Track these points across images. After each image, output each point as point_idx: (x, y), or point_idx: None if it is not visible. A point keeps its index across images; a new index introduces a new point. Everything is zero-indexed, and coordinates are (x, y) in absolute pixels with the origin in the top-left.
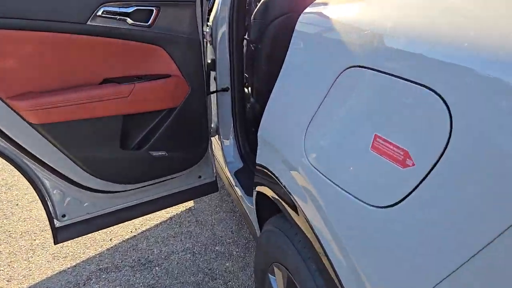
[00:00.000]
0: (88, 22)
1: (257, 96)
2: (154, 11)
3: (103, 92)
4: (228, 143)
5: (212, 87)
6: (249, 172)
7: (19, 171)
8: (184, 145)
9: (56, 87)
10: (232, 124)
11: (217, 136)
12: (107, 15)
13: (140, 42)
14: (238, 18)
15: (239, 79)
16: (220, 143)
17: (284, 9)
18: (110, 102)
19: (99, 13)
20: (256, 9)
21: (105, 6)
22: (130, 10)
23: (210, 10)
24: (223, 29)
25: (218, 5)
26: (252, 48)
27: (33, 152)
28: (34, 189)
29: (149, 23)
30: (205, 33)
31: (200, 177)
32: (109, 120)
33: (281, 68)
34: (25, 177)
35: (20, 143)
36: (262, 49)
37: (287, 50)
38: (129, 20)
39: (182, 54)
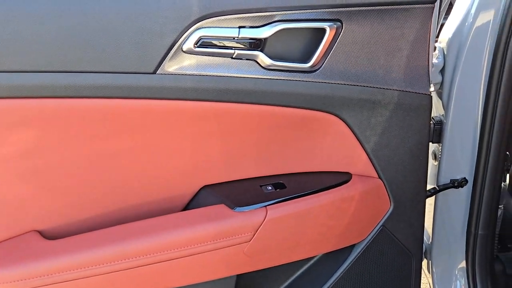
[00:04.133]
0: (162, 70)
1: None
2: (328, 32)
3: (196, 233)
4: None
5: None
6: None
7: None
8: None
9: (88, 224)
10: (462, 253)
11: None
12: (208, 48)
13: (286, 108)
14: None
15: (495, 165)
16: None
17: None
18: (207, 256)
19: (189, 44)
20: None
21: (204, 27)
22: (265, 32)
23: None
24: (478, 57)
25: (469, 12)
26: None
27: None
28: None
29: (311, 63)
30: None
31: None
32: None
33: None
34: None
35: None
36: None
37: None
38: (262, 58)
39: (386, 129)
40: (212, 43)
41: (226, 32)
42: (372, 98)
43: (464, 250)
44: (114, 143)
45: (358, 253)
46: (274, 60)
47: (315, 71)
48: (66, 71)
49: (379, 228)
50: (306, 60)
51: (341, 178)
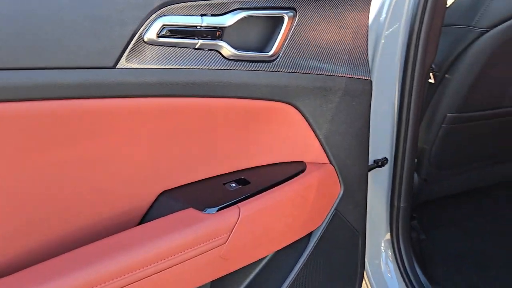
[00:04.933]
0: (122, 64)
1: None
2: (286, 21)
3: (169, 244)
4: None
5: None
6: None
7: None
8: None
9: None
10: (387, 226)
11: None
12: (171, 37)
13: (247, 100)
14: (428, 34)
15: (412, 144)
16: None
17: None
18: (183, 267)
19: (151, 33)
20: (451, 5)
21: (168, 14)
22: (228, 20)
23: None
24: (393, 46)
25: (383, 13)
26: (437, 81)
27: None
28: None
29: (272, 51)
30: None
31: None
32: None
33: None
34: None
35: None
36: (456, 82)
37: None
38: (225, 48)
39: (335, 115)
40: (175, 32)
41: (189, 20)
42: (324, 86)
43: (389, 223)
44: (59, 152)
45: (317, 239)
46: (238, 50)
47: (273, 60)
48: (3, 68)
49: (332, 213)
50: (266, 50)
51: (298, 167)
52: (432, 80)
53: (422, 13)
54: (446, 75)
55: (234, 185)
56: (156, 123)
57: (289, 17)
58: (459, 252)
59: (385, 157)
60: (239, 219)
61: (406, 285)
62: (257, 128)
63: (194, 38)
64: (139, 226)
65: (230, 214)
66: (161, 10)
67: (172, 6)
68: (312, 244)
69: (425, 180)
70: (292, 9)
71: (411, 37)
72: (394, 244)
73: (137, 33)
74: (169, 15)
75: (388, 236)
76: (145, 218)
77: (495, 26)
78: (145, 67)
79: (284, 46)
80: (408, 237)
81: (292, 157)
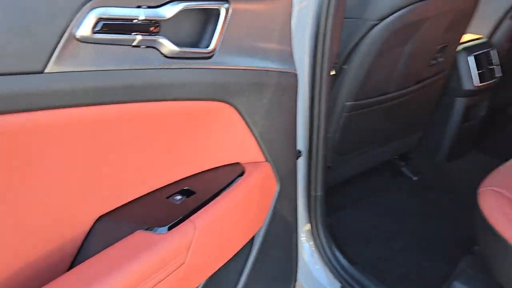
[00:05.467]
0: (51, 68)
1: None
2: (223, 13)
3: (125, 277)
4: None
5: None
6: None
7: None
8: None
9: None
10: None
11: None
12: (107, 33)
13: (187, 101)
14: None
15: (323, 136)
16: None
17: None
18: None
19: (85, 29)
20: None
21: (101, 6)
22: (168, 12)
23: None
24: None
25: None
26: (336, 73)
27: None
28: None
29: (211, 47)
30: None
31: None
32: None
33: None
34: None
35: None
36: (352, 72)
37: None
38: (165, 44)
39: (269, 111)
40: (111, 27)
41: (127, 13)
42: (259, 81)
43: (308, 213)
44: None
45: (260, 241)
46: (178, 47)
47: (211, 56)
48: None
49: (272, 210)
50: (205, 45)
51: (238, 171)
52: (333, 72)
53: (328, 6)
54: (344, 66)
55: (179, 197)
56: (88, 137)
57: (225, 9)
58: (365, 229)
59: (299, 150)
60: (195, 235)
61: (331, 271)
62: (196, 132)
63: (132, 34)
64: (80, 265)
65: (185, 230)
66: (94, 0)
67: None
68: (256, 247)
69: (329, 167)
70: (226, 0)
71: (319, 30)
72: (315, 233)
73: (67, 29)
74: (104, 6)
75: (308, 226)
76: (81, 252)
77: (384, 18)
78: (79, 70)
79: (221, 40)
80: (326, 225)
81: (231, 158)
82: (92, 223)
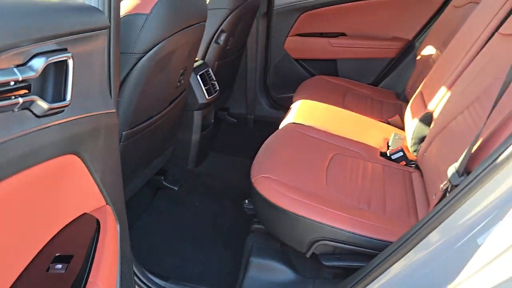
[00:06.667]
0: None
1: None
2: (70, 64)
3: None
4: None
5: None
6: None
7: None
8: None
9: None
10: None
11: None
12: None
13: (41, 164)
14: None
15: None
16: None
17: None
18: None
19: None
20: None
21: None
22: (36, 68)
23: None
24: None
25: None
26: None
27: None
28: None
29: (68, 98)
30: None
31: None
32: None
33: None
34: None
35: None
36: (124, 102)
37: None
38: (38, 102)
39: (106, 154)
40: None
41: (4, 75)
42: (96, 126)
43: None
44: None
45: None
46: (48, 103)
47: (64, 109)
48: None
49: (120, 257)
50: (62, 98)
51: (93, 225)
52: None
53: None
54: (118, 99)
55: (59, 266)
56: None
57: (71, 58)
58: (155, 247)
59: None
60: None
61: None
62: (51, 192)
63: (12, 98)
64: None
65: None
66: None
67: None
68: None
69: None
70: (65, 50)
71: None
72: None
73: None
74: None
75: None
76: None
77: (148, 51)
78: None
79: (72, 90)
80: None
81: (81, 209)
82: None
